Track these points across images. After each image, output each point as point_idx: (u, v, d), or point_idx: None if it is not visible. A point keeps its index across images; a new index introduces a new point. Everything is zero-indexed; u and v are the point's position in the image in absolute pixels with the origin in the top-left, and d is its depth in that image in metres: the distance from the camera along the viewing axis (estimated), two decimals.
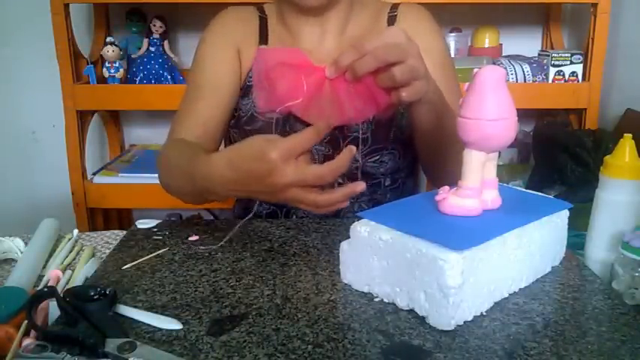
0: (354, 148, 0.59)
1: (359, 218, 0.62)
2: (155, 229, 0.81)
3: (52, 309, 0.58)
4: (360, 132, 0.87)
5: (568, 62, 1.63)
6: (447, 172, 0.69)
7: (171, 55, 1.74)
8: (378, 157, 0.89)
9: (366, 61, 0.61)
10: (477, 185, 0.60)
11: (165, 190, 0.85)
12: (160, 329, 0.55)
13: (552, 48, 1.83)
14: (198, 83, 0.91)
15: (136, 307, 0.59)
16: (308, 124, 0.86)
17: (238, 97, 0.92)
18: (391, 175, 0.93)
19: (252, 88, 0.90)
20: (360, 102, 0.65)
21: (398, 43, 0.62)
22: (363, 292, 0.61)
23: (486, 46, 1.76)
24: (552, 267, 0.67)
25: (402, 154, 0.91)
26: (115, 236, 0.87)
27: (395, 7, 0.95)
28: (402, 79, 0.62)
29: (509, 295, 0.61)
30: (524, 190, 0.73)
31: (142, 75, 1.69)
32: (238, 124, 0.92)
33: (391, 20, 0.93)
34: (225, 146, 0.94)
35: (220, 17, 0.96)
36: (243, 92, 0.92)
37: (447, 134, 0.75)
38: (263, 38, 0.93)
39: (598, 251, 0.72)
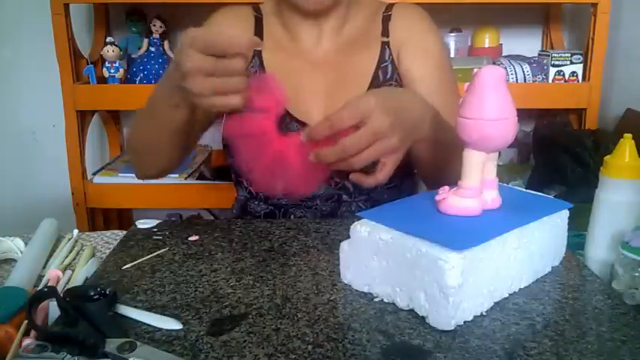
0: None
1: (359, 218, 0.62)
2: (155, 229, 0.81)
3: (52, 309, 0.58)
4: None
5: (568, 62, 1.63)
6: (449, 182, 0.70)
7: (172, 55, 1.74)
8: None
9: (336, 152, 0.62)
10: (476, 185, 0.60)
11: (136, 164, 0.88)
12: (160, 329, 0.55)
13: (552, 48, 1.83)
14: None
15: (136, 307, 0.59)
16: (303, 123, 0.87)
17: None
18: None
19: None
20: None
21: (369, 130, 0.61)
22: (363, 292, 0.61)
23: (486, 46, 1.76)
24: (552, 267, 0.67)
25: None
26: (115, 236, 0.87)
27: (390, 7, 0.95)
28: (365, 165, 0.63)
29: (509, 295, 0.61)
30: (524, 190, 0.73)
31: (142, 75, 1.69)
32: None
33: (386, 20, 0.93)
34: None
35: (214, 18, 0.96)
36: None
37: (446, 150, 0.75)
38: (258, 37, 0.93)
39: (598, 251, 0.72)
